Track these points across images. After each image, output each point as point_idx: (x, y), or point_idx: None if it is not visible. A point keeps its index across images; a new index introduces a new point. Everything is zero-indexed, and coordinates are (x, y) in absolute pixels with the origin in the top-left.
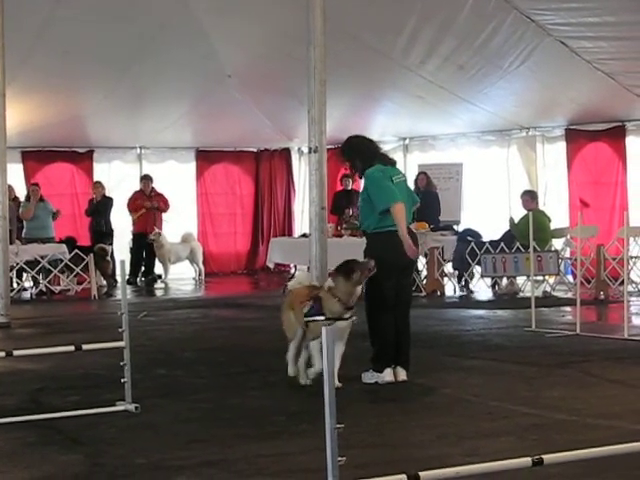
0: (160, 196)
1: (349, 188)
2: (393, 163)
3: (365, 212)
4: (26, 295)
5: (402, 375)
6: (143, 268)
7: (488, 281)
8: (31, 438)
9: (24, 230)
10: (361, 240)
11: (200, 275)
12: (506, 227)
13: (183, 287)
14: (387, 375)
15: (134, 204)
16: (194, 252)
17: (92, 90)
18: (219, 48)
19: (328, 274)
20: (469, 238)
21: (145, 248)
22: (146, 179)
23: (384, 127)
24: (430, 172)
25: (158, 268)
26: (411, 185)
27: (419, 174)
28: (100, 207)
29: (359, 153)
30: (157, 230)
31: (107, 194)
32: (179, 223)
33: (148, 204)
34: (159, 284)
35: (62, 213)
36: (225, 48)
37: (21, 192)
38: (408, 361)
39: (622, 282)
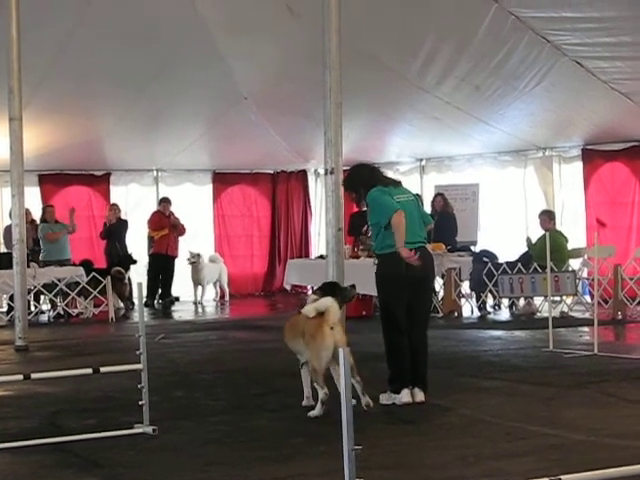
0: (177, 220)
1: (365, 209)
2: (396, 184)
3: (374, 234)
4: (44, 318)
5: (420, 396)
6: (160, 290)
7: (505, 302)
8: (49, 461)
9: (41, 253)
10: None
11: (224, 297)
12: (523, 248)
13: (202, 309)
14: (404, 396)
15: (157, 223)
16: (221, 274)
17: (108, 112)
18: (235, 69)
19: (312, 292)
20: (485, 259)
21: (162, 270)
22: (165, 201)
23: (401, 148)
24: (447, 193)
25: (175, 290)
26: (428, 207)
27: (436, 196)
28: (114, 230)
29: (361, 181)
30: (194, 252)
31: (123, 217)
32: (197, 245)
33: (176, 221)
34: (200, 306)
35: (77, 227)
36: (241, 69)
37: (38, 215)
38: (426, 382)
39: None
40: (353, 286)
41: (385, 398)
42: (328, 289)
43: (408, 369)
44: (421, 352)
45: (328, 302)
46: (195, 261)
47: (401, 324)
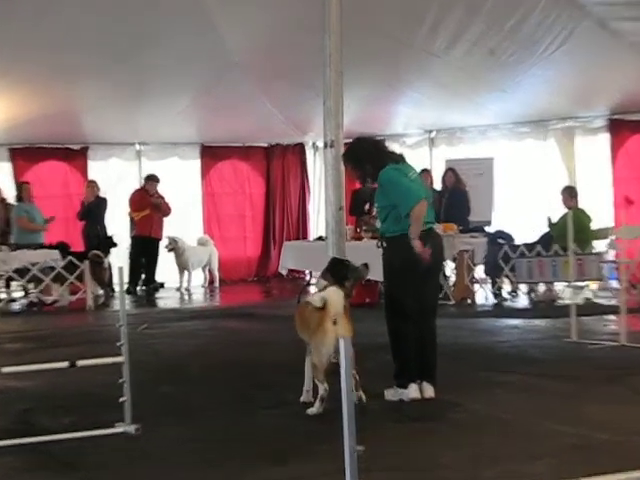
0: (163, 200)
1: (369, 185)
2: (403, 159)
3: (382, 216)
4: (15, 306)
5: (429, 391)
6: (143, 275)
7: (523, 288)
8: (20, 463)
9: (13, 235)
10: None
11: (214, 283)
12: (543, 228)
13: (189, 296)
14: (412, 391)
15: (138, 203)
16: (211, 257)
17: (86, 81)
18: (226, 36)
19: (321, 275)
20: (501, 241)
21: (146, 254)
22: (152, 180)
23: (408, 119)
24: (458, 168)
25: (160, 276)
26: (438, 183)
27: (446, 171)
28: (93, 209)
29: (368, 156)
30: (171, 236)
31: (103, 195)
32: (183, 226)
33: (157, 201)
34: (190, 293)
35: (55, 218)
36: (233, 36)
37: (9, 194)
38: (435, 376)
39: None
40: (366, 265)
41: (391, 394)
42: (336, 268)
43: (415, 362)
44: (429, 343)
45: (330, 292)
46: (173, 247)
47: (408, 311)
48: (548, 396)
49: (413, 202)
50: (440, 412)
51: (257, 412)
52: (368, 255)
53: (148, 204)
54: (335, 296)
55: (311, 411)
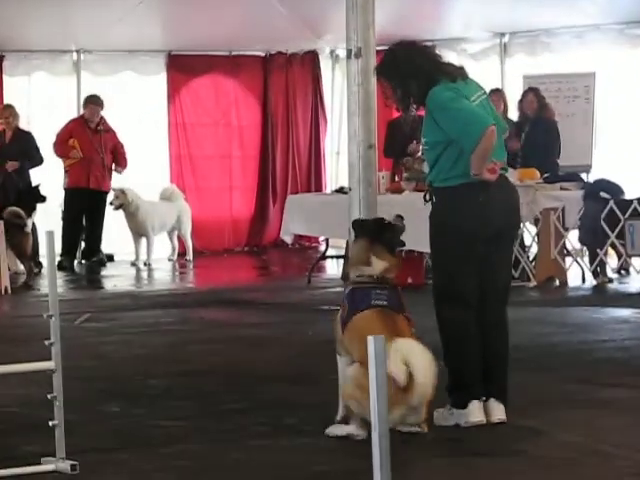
0: (111, 135)
1: (412, 114)
2: (464, 76)
3: (431, 157)
4: None
5: (498, 413)
6: (83, 245)
7: (638, 263)
8: None
9: None
10: None
11: (186, 255)
12: None
13: (149, 274)
14: (473, 413)
15: (63, 142)
16: (181, 218)
17: None
18: None
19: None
20: (604, 195)
21: (87, 214)
22: (93, 103)
23: (469, 17)
24: (544, 88)
25: (107, 245)
26: (513, 109)
27: (526, 92)
28: (10, 148)
29: (412, 68)
30: (118, 188)
31: (25, 127)
32: (141, 173)
33: (75, 154)
34: (150, 269)
35: None
36: None
37: None
38: (506, 390)
39: None
40: (400, 218)
41: (443, 416)
42: (383, 234)
43: (479, 371)
44: (499, 343)
45: (413, 354)
46: (121, 203)
47: (470, 299)
48: None
49: (479, 131)
50: (514, 443)
51: (245, 443)
52: (410, 214)
53: (86, 143)
54: (424, 362)
55: (331, 432)
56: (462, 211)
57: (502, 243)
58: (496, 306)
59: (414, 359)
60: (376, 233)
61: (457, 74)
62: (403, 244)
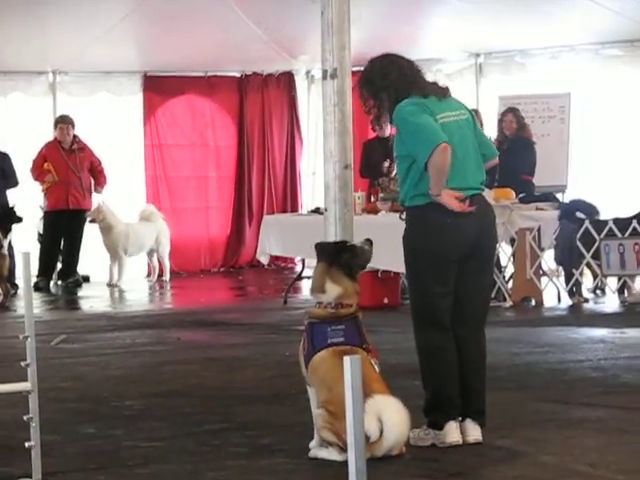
0: (87, 153)
1: (386, 135)
2: (442, 93)
3: (400, 171)
4: None
5: (474, 433)
6: (60, 266)
7: (613, 283)
8: None
9: None
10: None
11: (163, 275)
12: None
13: (126, 295)
14: (450, 434)
15: (39, 167)
16: (159, 238)
17: None
18: None
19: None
20: (580, 215)
21: (64, 234)
22: (62, 122)
23: (444, 37)
24: (520, 108)
25: (83, 267)
26: (490, 129)
27: (505, 112)
28: None
29: (386, 83)
30: (100, 203)
31: (1, 148)
32: (118, 193)
33: (51, 178)
34: (120, 290)
35: None
36: None
37: None
38: (484, 411)
39: None
40: (368, 242)
41: (419, 437)
42: (341, 255)
43: (455, 392)
44: (476, 362)
45: (385, 409)
46: (96, 217)
47: (444, 319)
48: None
49: (430, 148)
50: (490, 463)
51: (223, 464)
52: (387, 234)
53: (61, 164)
54: (397, 417)
55: (313, 452)
56: (430, 233)
57: (477, 262)
58: (473, 325)
59: (387, 416)
60: (334, 256)
61: (430, 90)
62: (363, 267)
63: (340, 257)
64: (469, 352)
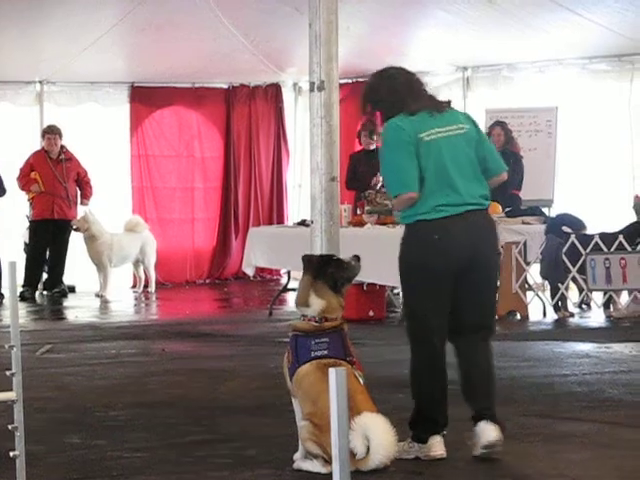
0: (74, 163)
1: (373, 148)
2: (437, 108)
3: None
4: None
5: (492, 433)
6: (46, 275)
7: (598, 298)
8: None
9: None
10: (395, 232)
11: (149, 286)
12: (628, 213)
13: (111, 305)
14: (434, 447)
15: (25, 176)
16: (144, 249)
17: None
18: None
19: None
20: (566, 229)
21: (49, 244)
22: (50, 132)
23: (432, 51)
24: (507, 122)
25: (69, 277)
26: None
27: (493, 126)
28: None
29: (377, 98)
30: (86, 212)
31: None
32: (103, 203)
33: (36, 188)
34: (105, 301)
35: None
36: None
37: None
38: (494, 410)
39: None
40: (356, 258)
41: (403, 449)
42: (325, 269)
43: (442, 407)
44: (480, 366)
45: (373, 426)
46: (81, 226)
47: (433, 338)
48: (631, 454)
49: (396, 190)
50: (475, 477)
51: (206, 475)
52: (371, 247)
53: (48, 174)
54: (384, 438)
55: (297, 465)
56: (419, 249)
57: (476, 275)
58: (475, 336)
59: (374, 435)
60: (319, 269)
61: (423, 106)
62: (349, 281)
63: (325, 270)
64: (473, 357)
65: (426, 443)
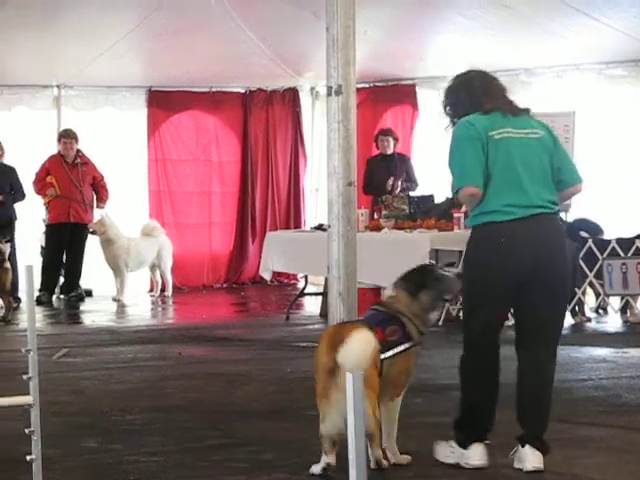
0: (90, 167)
1: (390, 152)
2: (512, 112)
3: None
4: None
5: (533, 459)
6: (62, 280)
7: (615, 302)
8: None
9: None
10: (413, 236)
11: (166, 290)
12: None
13: (128, 309)
14: (475, 455)
15: (41, 180)
16: (161, 253)
17: None
18: None
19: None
20: (583, 234)
21: (67, 247)
22: (65, 137)
23: (449, 55)
24: None
25: (85, 281)
26: None
27: None
28: None
29: (454, 99)
30: (103, 216)
31: (7, 161)
32: (120, 207)
33: (52, 192)
34: (122, 305)
35: None
36: None
37: None
38: (541, 437)
39: None
40: (459, 275)
41: (445, 452)
42: (411, 274)
43: (488, 415)
44: (533, 388)
45: (354, 340)
46: (98, 229)
47: (484, 345)
48: None
49: (459, 183)
50: None
51: (222, 479)
52: (388, 252)
53: (64, 177)
54: (358, 346)
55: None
56: (482, 252)
57: (537, 284)
58: (536, 351)
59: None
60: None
61: (497, 107)
62: (444, 289)
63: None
64: (528, 377)
65: (466, 448)
